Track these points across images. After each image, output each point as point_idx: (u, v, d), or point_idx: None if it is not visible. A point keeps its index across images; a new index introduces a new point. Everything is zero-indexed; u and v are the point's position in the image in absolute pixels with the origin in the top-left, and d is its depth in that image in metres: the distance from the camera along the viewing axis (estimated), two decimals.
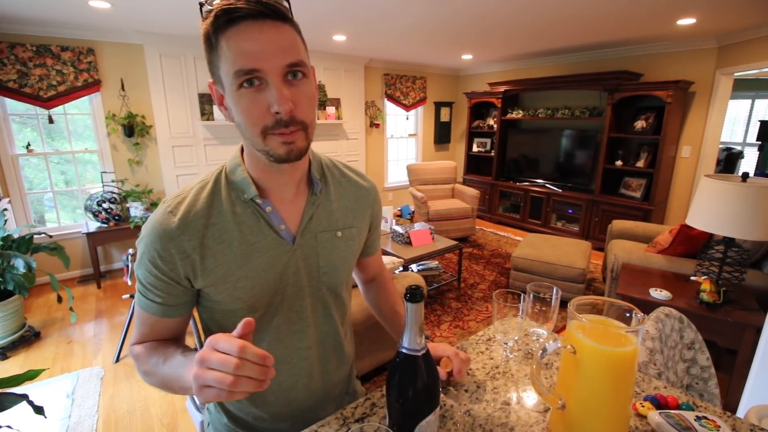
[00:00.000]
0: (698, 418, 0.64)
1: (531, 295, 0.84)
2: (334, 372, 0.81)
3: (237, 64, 0.54)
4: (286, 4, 0.59)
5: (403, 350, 0.57)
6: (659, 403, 0.69)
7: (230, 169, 0.68)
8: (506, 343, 0.87)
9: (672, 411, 0.66)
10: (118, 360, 2.39)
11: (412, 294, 0.54)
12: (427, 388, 0.57)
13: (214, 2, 0.56)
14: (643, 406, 0.68)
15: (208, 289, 0.65)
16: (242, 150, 0.70)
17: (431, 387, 0.58)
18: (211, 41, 0.56)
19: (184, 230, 0.62)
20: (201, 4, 0.57)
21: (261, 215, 0.67)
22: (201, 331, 0.73)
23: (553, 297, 0.83)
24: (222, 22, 0.54)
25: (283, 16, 0.56)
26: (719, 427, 0.63)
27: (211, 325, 0.74)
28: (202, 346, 1.53)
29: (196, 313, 0.77)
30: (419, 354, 0.57)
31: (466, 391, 0.76)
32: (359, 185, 0.81)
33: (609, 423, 0.58)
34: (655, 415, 0.66)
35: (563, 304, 0.86)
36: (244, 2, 0.53)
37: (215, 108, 3.94)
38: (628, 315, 0.60)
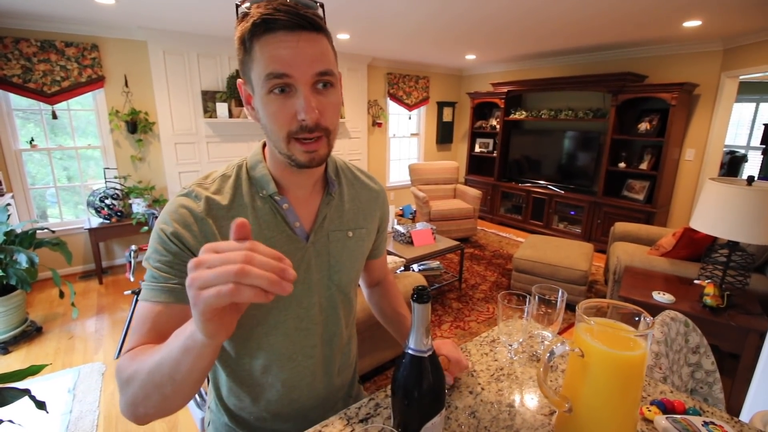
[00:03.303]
0: (705, 424, 0.64)
1: (536, 297, 0.84)
2: (337, 374, 0.81)
3: (269, 68, 0.55)
4: (320, 11, 0.60)
5: (410, 351, 0.57)
6: (666, 408, 0.68)
7: (251, 164, 0.70)
8: (511, 345, 0.86)
9: (679, 416, 0.66)
10: (119, 356, 2.39)
11: (419, 294, 0.54)
12: (433, 389, 0.57)
13: (246, 5, 0.57)
14: (649, 411, 0.68)
15: None
16: (264, 146, 0.71)
17: (437, 388, 0.57)
18: (245, 44, 0.57)
19: (207, 215, 0.63)
20: (237, 5, 0.58)
21: (278, 211, 0.69)
22: None
23: (559, 299, 0.82)
24: (259, 30, 0.55)
25: (318, 27, 0.57)
26: None
27: None
28: None
29: None
30: (425, 355, 0.56)
31: (471, 392, 0.75)
32: (369, 187, 0.83)
33: (616, 427, 0.58)
34: (661, 420, 0.65)
35: (567, 306, 0.86)
36: (282, 13, 0.54)
37: (218, 105, 3.93)
38: (636, 319, 0.60)
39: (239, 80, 0.63)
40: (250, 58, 0.57)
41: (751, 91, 5.61)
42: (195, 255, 0.60)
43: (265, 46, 0.55)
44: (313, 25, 0.56)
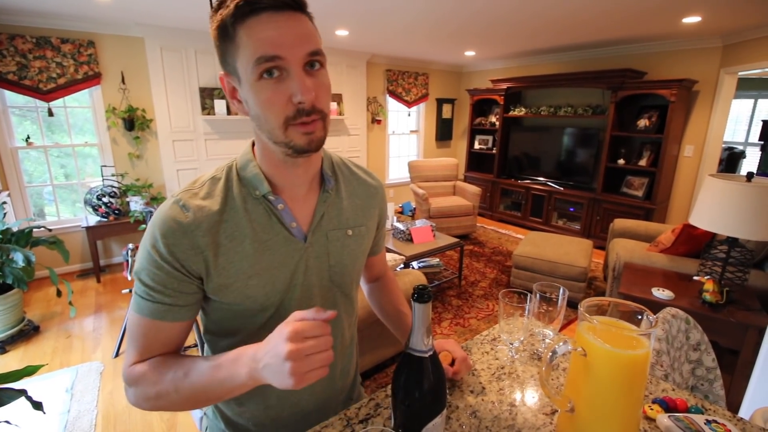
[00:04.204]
0: (708, 422, 0.63)
1: (537, 295, 0.83)
2: (338, 377, 0.79)
3: (258, 51, 0.53)
4: None
5: (410, 351, 0.56)
6: (668, 406, 0.68)
7: (241, 164, 0.67)
8: (512, 344, 0.85)
9: (681, 414, 0.65)
10: (117, 355, 2.38)
11: (420, 294, 0.53)
12: (434, 390, 0.56)
13: None
14: (651, 409, 0.67)
15: (218, 288, 0.63)
16: (253, 145, 0.69)
17: (438, 389, 0.57)
18: (227, 31, 0.55)
19: (198, 225, 0.60)
20: None
21: (273, 212, 0.66)
22: (201, 327, 0.69)
23: (560, 297, 0.81)
24: (243, 13, 0.53)
25: (302, 6, 0.56)
26: (729, 431, 0.62)
27: (212, 327, 0.72)
28: (202, 342, 1.50)
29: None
30: (426, 355, 0.55)
31: (472, 392, 0.75)
32: (368, 183, 0.81)
33: (619, 426, 0.57)
34: (664, 418, 0.65)
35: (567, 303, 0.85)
36: None
37: (216, 102, 3.91)
38: (639, 317, 0.59)
39: (220, 74, 0.60)
40: (235, 46, 0.55)
41: (749, 87, 5.61)
42: (187, 269, 0.60)
43: (250, 29, 0.53)
44: (298, 3, 0.55)
